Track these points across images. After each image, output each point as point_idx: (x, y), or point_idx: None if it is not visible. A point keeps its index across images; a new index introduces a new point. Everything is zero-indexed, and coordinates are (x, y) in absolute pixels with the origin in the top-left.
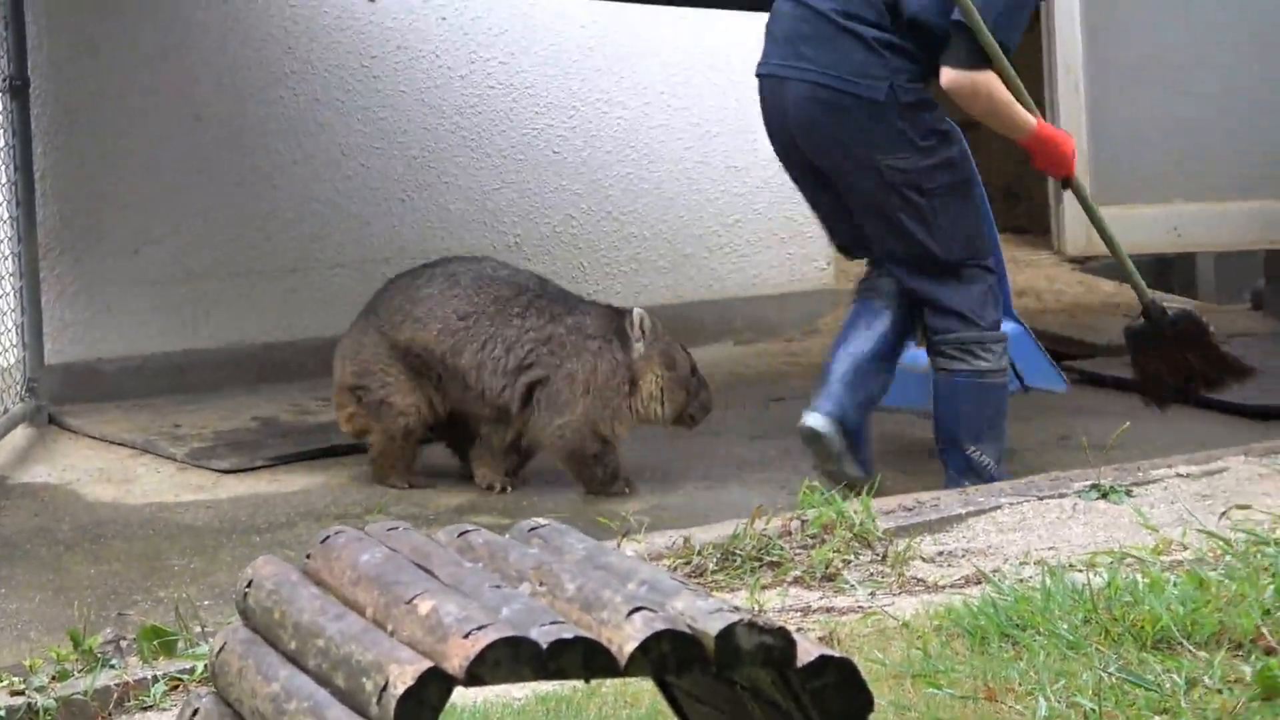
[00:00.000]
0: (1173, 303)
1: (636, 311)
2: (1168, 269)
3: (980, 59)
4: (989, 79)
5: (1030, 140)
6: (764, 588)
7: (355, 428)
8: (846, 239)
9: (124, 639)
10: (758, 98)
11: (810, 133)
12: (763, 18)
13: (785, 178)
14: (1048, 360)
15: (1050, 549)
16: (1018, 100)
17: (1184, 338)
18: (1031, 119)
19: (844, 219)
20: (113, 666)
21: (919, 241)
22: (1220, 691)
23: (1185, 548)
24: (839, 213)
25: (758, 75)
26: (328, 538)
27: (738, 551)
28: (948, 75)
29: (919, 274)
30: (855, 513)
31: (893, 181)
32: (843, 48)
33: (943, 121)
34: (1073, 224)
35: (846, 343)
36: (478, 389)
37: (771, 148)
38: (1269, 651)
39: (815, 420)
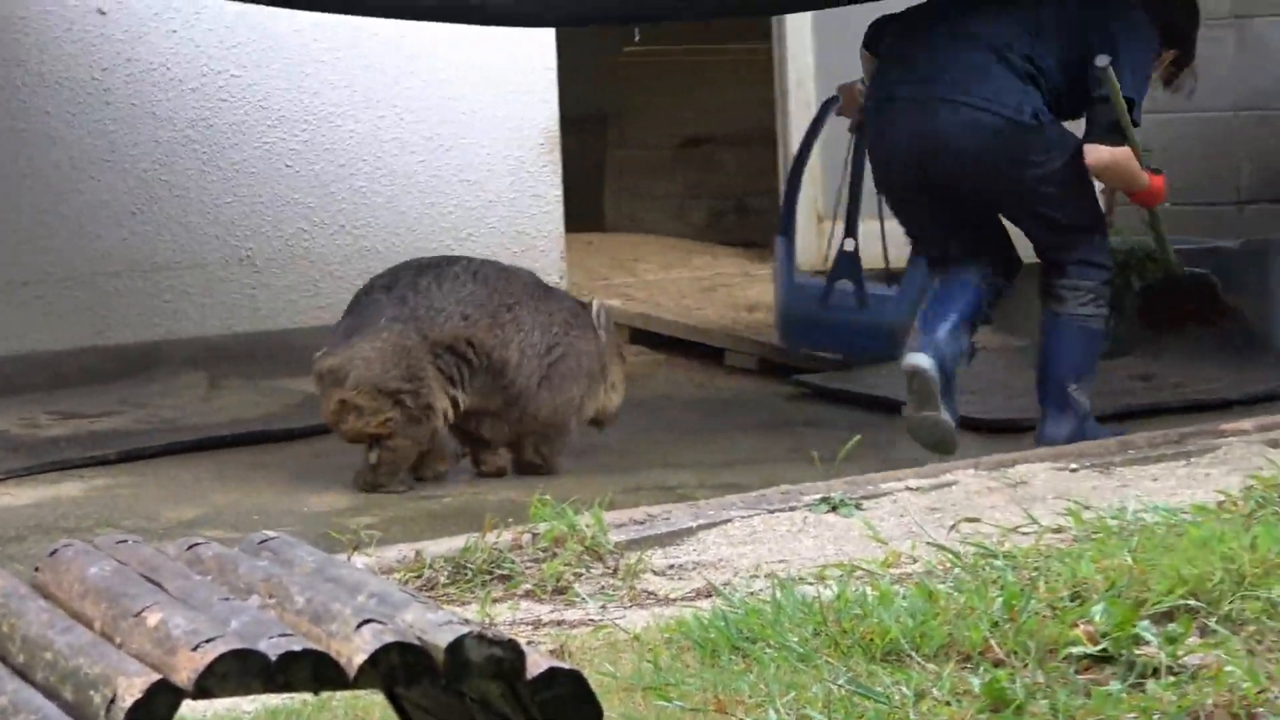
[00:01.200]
0: None
1: (597, 302)
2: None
3: (1121, 136)
4: (1129, 155)
5: (1143, 194)
6: (495, 601)
7: (381, 431)
8: (938, 251)
9: None
10: (873, 119)
11: (956, 157)
12: (522, 33)
13: (519, 192)
14: None
15: (781, 562)
16: (1139, 162)
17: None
18: (1146, 176)
19: (941, 231)
20: None
21: (1060, 222)
22: (949, 703)
23: (914, 560)
24: (938, 227)
25: (880, 98)
26: (56, 551)
27: (469, 565)
28: (1097, 155)
29: (1068, 243)
30: (587, 526)
31: (1035, 188)
32: (997, 76)
33: (1059, 123)
34: (805, 239)
35: (945, 302)
36: (510, 378)
37: (876, 172)
38: (997, 664)
39: (919, 359)
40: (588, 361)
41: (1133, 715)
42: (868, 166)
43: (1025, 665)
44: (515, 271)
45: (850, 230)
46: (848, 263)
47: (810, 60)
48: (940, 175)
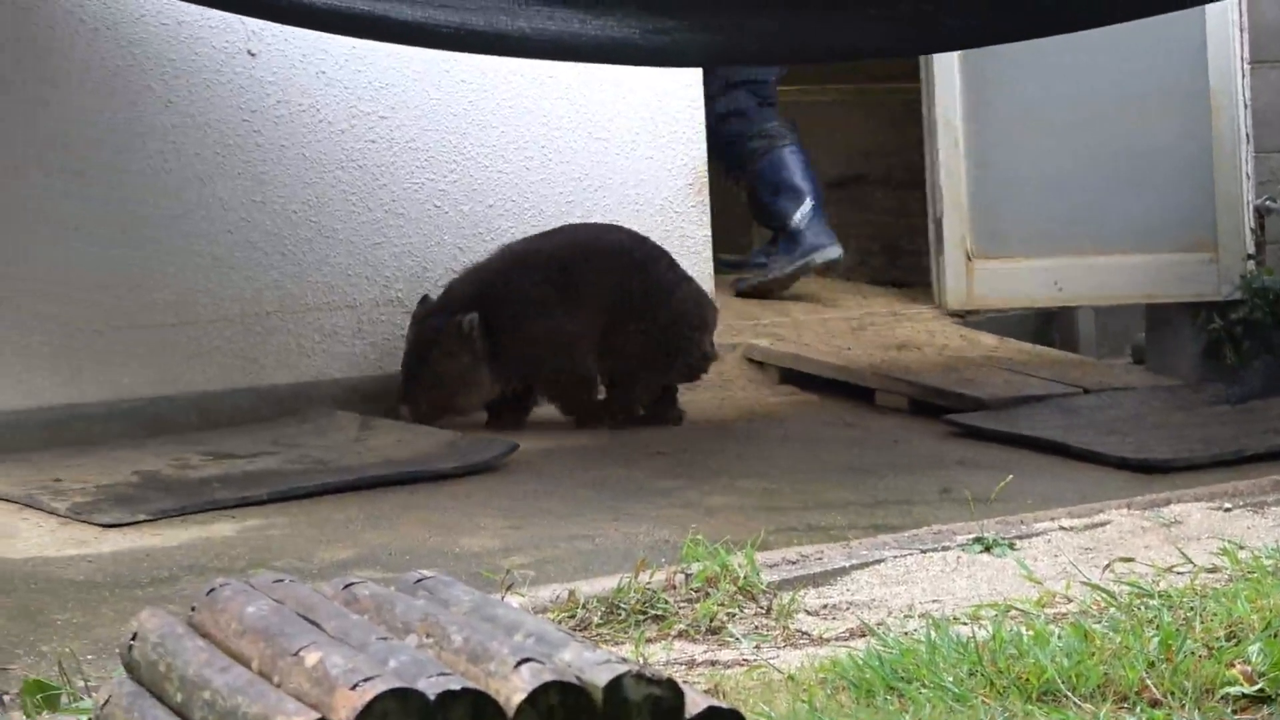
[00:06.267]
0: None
1: None
2: (1048, 323)
3: None
4: None
5: None
6: (648, 641)
7: None
8: None
9: (7, 694)
10: None
11: None
12: (670, 73)
13: (668, 232)
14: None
15: (934, 602)
16: None
17: None
18: None
19: None
20: None
21: None
22: None
23: (1069, 600)
24: None
25: None
26: (213, 590)
27: (622, 605)
28: None
29: None
30: (739, 566)
31: None
32: None
33: None
34: (954, 278)
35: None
36: None
37: None
38: (1154, 704)
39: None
40: None
41: None
42: None
43: (1182, 706)
44: None
45: None
46: None
47: (957, 99)
48: None
